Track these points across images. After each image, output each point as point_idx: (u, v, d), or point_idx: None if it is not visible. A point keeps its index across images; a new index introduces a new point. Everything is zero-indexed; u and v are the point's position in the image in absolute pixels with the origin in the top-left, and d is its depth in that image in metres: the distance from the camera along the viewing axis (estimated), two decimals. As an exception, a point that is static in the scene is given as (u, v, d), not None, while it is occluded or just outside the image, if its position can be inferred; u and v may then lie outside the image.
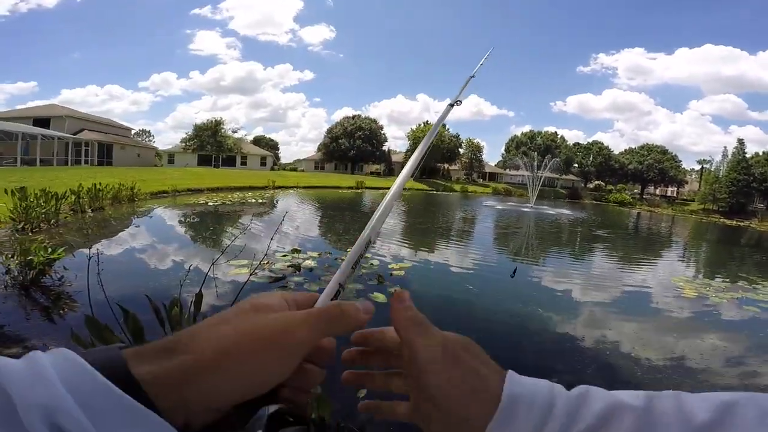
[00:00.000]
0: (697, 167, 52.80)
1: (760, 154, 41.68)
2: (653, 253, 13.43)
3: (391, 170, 53.93)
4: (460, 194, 38.72)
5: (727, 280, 8.92)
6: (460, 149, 53.22)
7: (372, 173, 52.64)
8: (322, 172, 48.18)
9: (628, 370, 3.86)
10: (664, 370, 3.91)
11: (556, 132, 54.69)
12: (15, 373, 0.21)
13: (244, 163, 45.48)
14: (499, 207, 25.63)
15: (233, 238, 5.73)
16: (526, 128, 59.04)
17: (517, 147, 53.50)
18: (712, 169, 45.66)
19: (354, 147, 49.27)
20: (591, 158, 50.74)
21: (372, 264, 7.16)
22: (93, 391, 0.21)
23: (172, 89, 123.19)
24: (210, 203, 14.96)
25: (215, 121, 42.92)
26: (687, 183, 52.94)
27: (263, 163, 47.11)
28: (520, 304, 5.73)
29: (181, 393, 0.23)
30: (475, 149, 53.58)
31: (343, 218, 14.89)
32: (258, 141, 60.87)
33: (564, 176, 51.73)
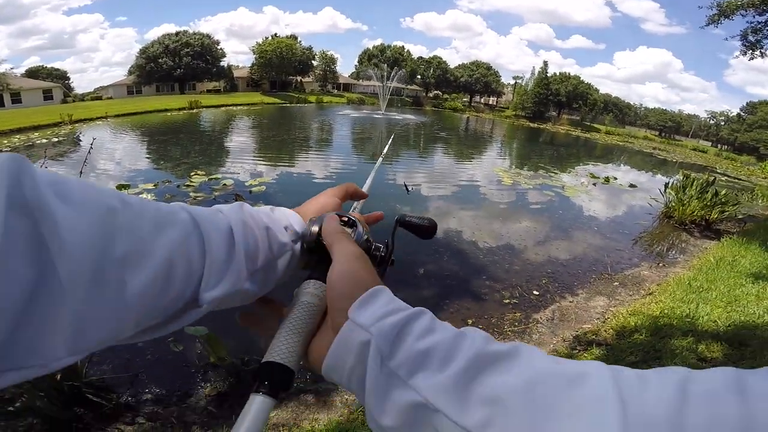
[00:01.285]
0: (512, 82, 62.83)
1: (557, 74, 52.04)
2: (480, 149, 15.90)
3: (234, 86, 47.44)
4: (316, 105, 37.11)
5: (532, 170, 11.32)
6: (313, 61, 50.14)
7: (210, 91, 45.25)
8: (140, 97, 38.76)
9: (473, 254, 4.56)
10: (497, 251, 4.71)
11: (403, 46, 56.65)
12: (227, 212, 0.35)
13: (18, 101, 32.71)
14: (354, 115, 25.87)
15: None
16: (378, 42, 59.33)
17: (369, 59, 53.88)
18: (523, 84, 55.02)
19: (181, 65, 41.30)
20: (431, 71, 54.79)
21: (225, 184, 6.41)
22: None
23: None
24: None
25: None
26: (504, 94, 62.74)
27: (48, 97, 34.88)
28: (386, 202, 6.09)
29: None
30: (329, 61, 51.45)
31: (178, 141, 12.41)
32: (35, 73, 46.71)
33: (409, 86, 55.18)
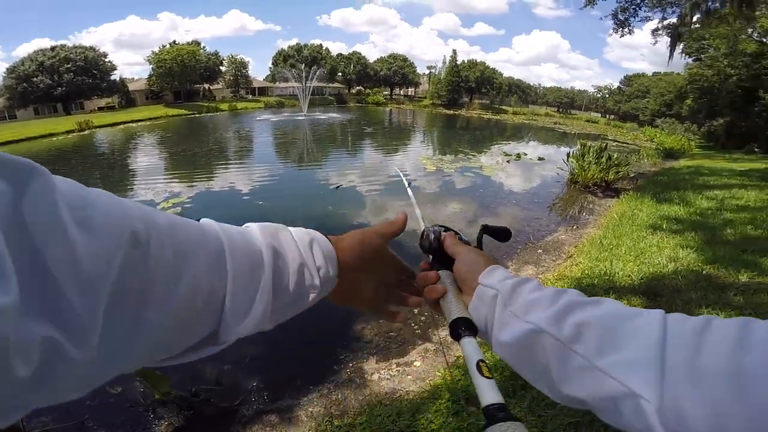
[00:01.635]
0: (427, 72, 65.30)
1: (466, 61, 55.34)
2: (404, 140, 16.21)
3: (131, 100, 42.68)
4: (230, 113, 34.91)
5: (453, 154, 11.80)
6: (221, 67, 47.18)
7: (102, 108, 40.16)
8: (15, 122, 32.92)
9: (409, 246, 4.58)
10: (453, 227, 4.82)
11: (321, 44, 55.62)
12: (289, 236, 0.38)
13: None
14: (274, 119, 24.73)
15: None
16: (294, 41, 57.68)
17: (285, 60, 52.42)
18: (437, 73, 57.39)
19: (62, 83, 36.08)
20: (352, 67, 54.68)
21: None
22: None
23: None
24: None
25: None
26: (421, 84, 65.14)
27: None
28: (317, 206, 5.85)
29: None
30: (240, 65, 48.84)
31: (71, 170, 10.61)
32: None
33: (331, 84, 54.47)
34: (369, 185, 7.49)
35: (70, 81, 35.99)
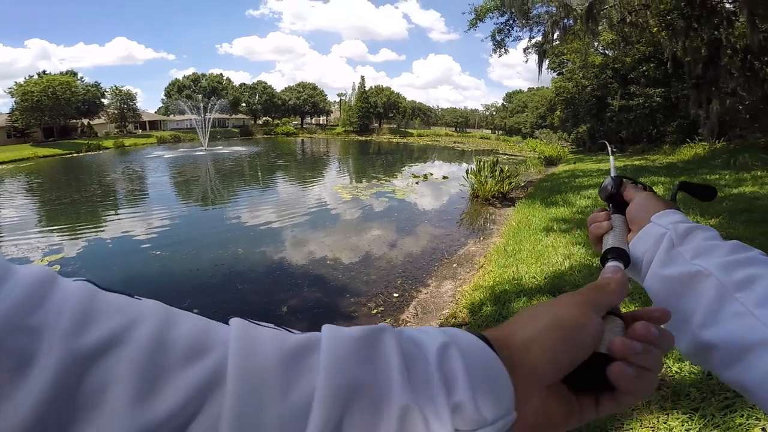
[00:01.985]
0: (338, 99, 66.95)
1: (373, 87, 58.03)
2: (319, 170, 16.17)
3: None
4: (115, 150, 31.13)
5: (367, 180, 12.12)
6: (103, 100, 42.04)
7: None
8: None
9: (331, 276, 4.42)
10: (353, 267, 4.71)
11: (222, 74, 53.20)
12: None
13: None
14: (169, 155, 22.66)
15: None
16: (190, 71, 54.16)
17: (180, 91, 48.87)
18: (347, 100, 59.07)
19: None
20: (257, 97, 53.48)
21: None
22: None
23: None
24: None
25: None
26: (332, 112, 66.32)
27: None
28: (226, 249, 5.42)
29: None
30: (126, 97, 43.88)
31: None
32: None
33: (234, 116, 52.28)
34: (284, 221, 7.25)
35: None
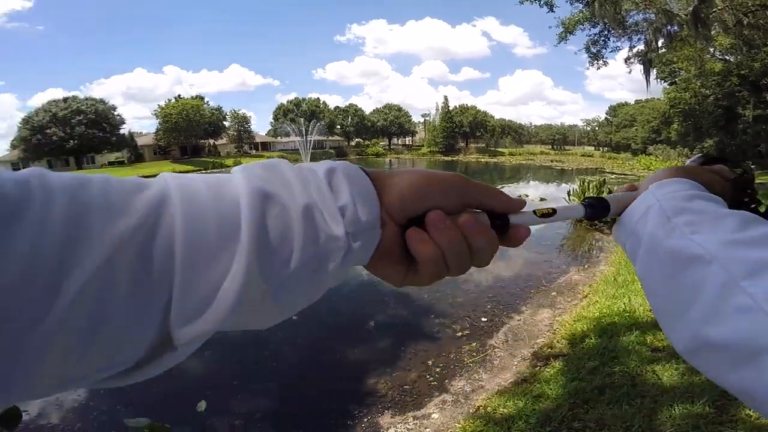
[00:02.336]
0: (422, 120, 67.38)
1: (458, 107, 57.37)
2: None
3: (140, 155, 44.00)
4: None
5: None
6: (225, 122, 48.79)
7: (112, 163, 41.41)
8: None
9: (416, 296, 4.39)
10: (439, 289, 4.43)
11: (318, 98, 57.68)
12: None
13: None
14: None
15: None
16: (292, 96, 59.87)
17: (285, 114, 53.87)
18: (431, 121, 59.55)
19: (74, 136, 36.81)
20: (349, 119, 56.73)
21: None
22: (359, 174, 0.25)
23: None
24: None
25: None
26: (417, 133, 67.34)
27: None
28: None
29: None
30: (242, 120, 50.32)
31: None
32: None
33: (330, 138, 56.21)
34: None
35: (82, 134, 36.65)
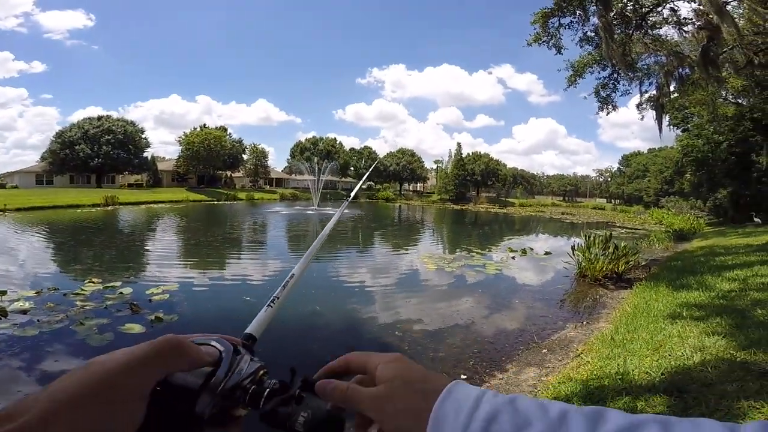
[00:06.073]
0: (434, 166, 67.69)
1: (470, 154, 57.30)
2: (411, 237, 16.23)
3: (158, 180, 45.13)
4: (246, 202, 36.40)
5: (457, 251, 11.54)
6: (243, 155, 49.99)
7: (131, 185, 42.52)
8: (50, 188, 34.93)
9: (399, 347, 4.16)
10: (427, 340, 4.37)
11: (335, 138, 58.88)
12: None
13: None
14: (285, 212, 25.47)
15: None
16: (311, 134, 61.35)
17: (302, 152, 54.83)
18: (443, 167, 59.90)
19: (100, 154, 38.27)
20: (363, 161, 57.39)
21: (122, 293, 5.54)
22: None
23: None
24: None
25: None
26: (429, 179, 67.79)
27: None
28: (305, 306, 5.51)
29: None
30: (260, 155, 51.28)
31: (78, 243, 11.03)
32: None
33: (343, 179, 56.84)
34: (383, 282, 7.18)
35: (107, 153, 38.12)
